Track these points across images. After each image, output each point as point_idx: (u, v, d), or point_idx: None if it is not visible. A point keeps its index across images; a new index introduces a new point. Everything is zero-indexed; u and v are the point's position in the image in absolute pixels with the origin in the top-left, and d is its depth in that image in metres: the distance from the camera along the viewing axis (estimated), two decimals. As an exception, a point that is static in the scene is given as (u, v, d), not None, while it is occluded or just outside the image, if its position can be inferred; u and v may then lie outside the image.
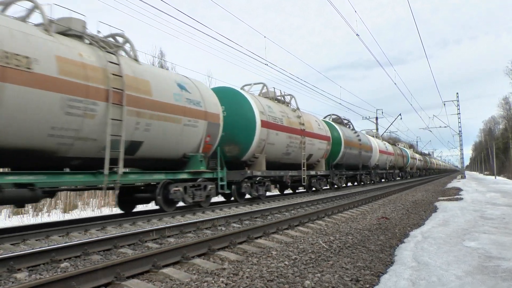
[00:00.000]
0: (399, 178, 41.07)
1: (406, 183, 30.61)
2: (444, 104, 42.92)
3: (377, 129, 45.12)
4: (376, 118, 45.52)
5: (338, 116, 26.08)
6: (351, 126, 26.72)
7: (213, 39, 48.38)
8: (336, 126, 22.29)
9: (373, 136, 33.68)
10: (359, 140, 25.33)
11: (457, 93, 42.20)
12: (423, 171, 62.12)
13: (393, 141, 46.69)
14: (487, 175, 70.37)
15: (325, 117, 24.79)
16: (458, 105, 41.81)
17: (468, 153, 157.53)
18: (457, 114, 42.29)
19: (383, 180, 34.85)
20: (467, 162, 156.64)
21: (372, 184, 28.81)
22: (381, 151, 31.27)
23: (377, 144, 30.71)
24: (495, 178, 48.02)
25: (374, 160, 29.59)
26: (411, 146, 62.31)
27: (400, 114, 44.80)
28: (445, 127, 47.45)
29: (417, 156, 55.83)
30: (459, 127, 42.95)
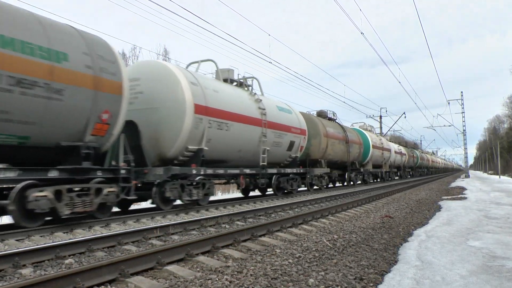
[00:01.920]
0: (339, 185, 24.59)
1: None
2: (449, 103, 42.84)
3: (381, 127, 44.96)
4: (380, 117, 45.36)
5: None
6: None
7: (217, 37, 48.31)
8: None
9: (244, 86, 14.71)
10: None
11: (462, 92, 42.09)
12: (409, 172, 45.14)
13: (397, 140, 45.75)
14: (491, 174, 70.09)
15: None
16: (463, 103, 41.69)
17: (472, 152, 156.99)
18: (462, 113, 42.16)
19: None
20: (471, 161, 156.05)
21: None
22: (241, 118, 12.66)
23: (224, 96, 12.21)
24: (499, 177, 47.80)
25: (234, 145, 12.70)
26: (415, 145, 61.37)
27: (404, 113, 44.60)
28: (449, 126, 47.30)
29: (394, 146, 36.28)
30: (463, 126, 42.82)
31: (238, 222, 8.46)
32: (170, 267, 4.51)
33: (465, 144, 44.62)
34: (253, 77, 14.93)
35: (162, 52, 31.37)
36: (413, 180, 33.41)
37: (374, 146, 27.69)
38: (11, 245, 6.12)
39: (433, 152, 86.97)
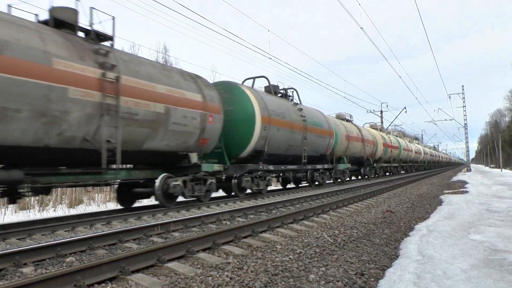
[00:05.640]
0: None
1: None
2: (449, 97, 42.84)
3: (382, 122, 44.88)
4: (381, 112, 45.30)
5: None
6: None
7: (218, 34, 48.17)
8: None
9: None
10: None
11: (462, 86, 42.00)
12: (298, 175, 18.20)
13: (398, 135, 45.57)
14: (493, 168, 69.97)
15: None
16: (464, 97, 41.59)
17: (474, 146, 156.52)
18: (463, 106, 42.06)
19: None
20: (472, 155, 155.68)
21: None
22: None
23: None
24: (501, 171, 47.71)
25: None
26: (416, 139, 61.16)
27: (405, 107, 44.50)
28: (451, 120, 47.36)
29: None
30: (464, 120, 42.71)
31: (239, 219, 8.46)
32: (171, 264, 4.51)
33: (466, 138, 44.58)
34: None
35: (162, 49, 31.33)
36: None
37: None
38: (12, 244, 6.13)
39: (435, 147, 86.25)
